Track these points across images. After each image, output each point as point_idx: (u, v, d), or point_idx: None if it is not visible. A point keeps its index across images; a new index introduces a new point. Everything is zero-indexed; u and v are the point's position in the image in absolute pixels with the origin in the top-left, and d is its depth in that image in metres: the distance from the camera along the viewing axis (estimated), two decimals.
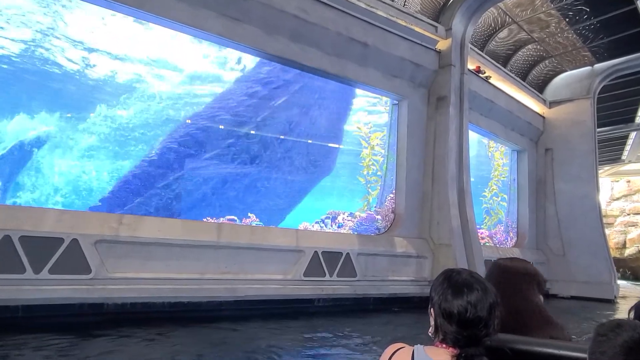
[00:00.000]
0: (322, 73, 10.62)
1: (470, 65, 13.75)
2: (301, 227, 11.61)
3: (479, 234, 15.45)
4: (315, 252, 9.37)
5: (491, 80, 14.53)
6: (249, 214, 11.17)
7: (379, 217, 12.30)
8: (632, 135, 25.40)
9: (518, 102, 15.93)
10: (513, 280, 1.90)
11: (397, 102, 12.38)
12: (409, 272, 11.02)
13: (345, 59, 10.62)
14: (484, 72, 14.04)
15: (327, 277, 9.48)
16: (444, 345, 1.44)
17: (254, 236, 8.75)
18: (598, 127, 21.45)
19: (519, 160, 17.39)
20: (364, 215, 12.35)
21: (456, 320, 1.41)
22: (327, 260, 9.54)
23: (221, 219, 10.59)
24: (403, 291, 10.74)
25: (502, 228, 16.98)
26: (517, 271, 1.94)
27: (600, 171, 34.04)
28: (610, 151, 27.92)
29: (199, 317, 7.64)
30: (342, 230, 12.06)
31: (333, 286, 9.52)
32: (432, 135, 12.25)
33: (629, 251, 35.11)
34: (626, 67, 16.50)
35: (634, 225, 36.74)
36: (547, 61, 16.65)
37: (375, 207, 12.69)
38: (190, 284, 7.79)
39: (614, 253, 35.52)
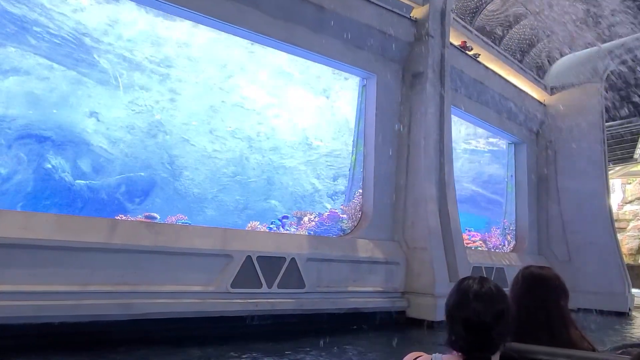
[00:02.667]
0: (265, 40, 8.78)
1: (455, 41, 11.84)
2: (249, 228, 9.71)
3: (470, 236, 13.46)
4: (249, 257, 7.46)
5: (481, 60, 12.60)
6: (180, 215, 9.28)
7: (344, 216, 10.37)
8: None
9: (514, 86, 13.96)
10: (547, 289, 1.93)
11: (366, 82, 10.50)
12: (375, 281, 9.06)
13: (294, 23, 8.78)
14: (471, 49, 12.11)
15: (264, 289, 7.55)
16: (456, 352, 1.46)
17: (162, 237, 6.85)
18: (607, 122, 19.43)
19: (516, 154, 15.35)
20: (325, 213, 10.42)
21: (461, 325, 1.45)
22: (265, 267, 7.61)
23: (139, 216, 8.74)
24: (367, 305, 8.77)
25: (499, 231, 14.93)
26: (550, 279, 1.98)
27: (610, 172, 31.90)
28: (622, 149, 25.79)
29: (75, 343, 5.76)
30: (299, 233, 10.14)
31: (272, 300, 7.58)
32: (407, 119, 10.34)
33: None
34: (637, 46, 14.46)
35: None
36: (546, 40, 14.65)
37: (341, 205, 10.77)
38: (65, 298, 5.90)
39: (628, 260, 33.07)
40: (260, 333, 7.35)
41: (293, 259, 7.94)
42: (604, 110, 14.88)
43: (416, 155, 9.94)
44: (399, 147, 10.29)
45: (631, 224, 36.01)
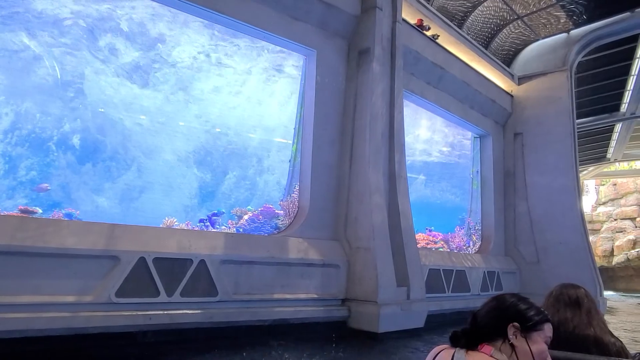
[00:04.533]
0: (181, 5, 7.43)
1: (410, 19, 10.68)
2: (165, 224, 8.30)
3: (430, 236, 12.29)
4: (142, 259, 6.06)
5: (441, 42, 11.46)
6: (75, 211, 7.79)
7: (280, 212, 9.05)
8: (618, 127, 22.56)
9: (478, 73, 12.89)
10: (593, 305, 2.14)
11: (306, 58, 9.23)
12: (309, 287, 7.74)
13: None
14: (429, 28, 10.97)
15: (162, 298, 6.16)
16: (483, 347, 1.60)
17: (22, 234, 5.41)
18: (579, 119, 18.60)
19: (482, 148, 14.28)
20: (260, 208, 9.09)
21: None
22: (165, 271, 6.23)
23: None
24: (298, 315, 7.44)
25: (463, 231, 13.81)
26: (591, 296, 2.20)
27: (584, 172, 31.36)
28: (595, 147, 25.08)
29: None
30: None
31: (171, 311, 6.18)
32: (352, 101, 9.09)
33: (617, 259, 32.13)
34: (608, 32, 13.58)
35: (622, 231, 33.90)
36: (512, 26, 13.64)
37: (280, 200, 9.46)
38: None
39: (601, 261, 32.54)
40: (155, 352, 5.96)
41: (202, 262, 6.56)
42: (573, 100, 13.93)
43: (361, 141, 8.69)
44: (343, 133, 9.03)
45: (605, 226, 35.59)
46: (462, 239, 13.52)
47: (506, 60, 14.83)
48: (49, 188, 8.91)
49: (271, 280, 7.27)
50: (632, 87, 17.64)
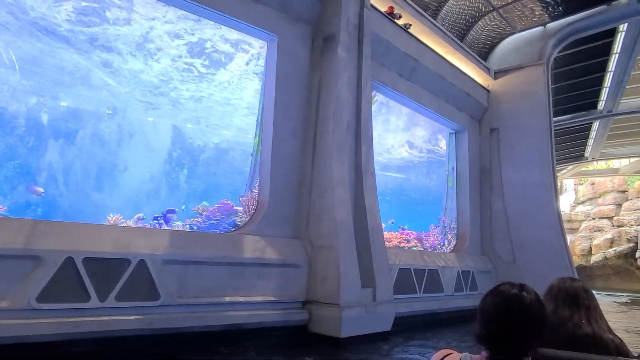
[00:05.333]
0: None
1: (380, 6, 10.18)
2: (110, 221, 7.62)
3: (403, 235, 11.80)
4: (70, 259, 5.40)
5: (413, 32, 10.99)
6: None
7: (239, 208, 8.45)
8: (595, 126, 22.47)
9: (453, 66, 12.46)
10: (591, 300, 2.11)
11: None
12: (266, 288, 7.15)
13: None
14: (400, 17, 10.48)
15: (94, 303, 5.50)
16: (484, 354, 1.46)
17: None
18: (557, 116, 18.39)
19: (457, 144, 13.87)
20: (217, 205, 8.48)
21: (485, 322, 1.46)
22: (97, 273, 5.58)
23: None
24: (253, 320, 6.84)
25: (438, 229, 13.37)
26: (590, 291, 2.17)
27: (563, 171, 31.38)
28: (573, 146, 25.00)
29: None
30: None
31: (104, 318, 5.53)
32: (316, 90, 8.54)
33: (594, 258, 32.21)
34: (584, 26, 13.30)
35: (600, 230, 34.04)
36: (487, 18, 13.25)
37: (241, 196, 8.85)
38: None
39: (580, 260, 32.59)
40: None
41: (142, 262, 5.92)
42: (550, 94, 13.62)
43: (324, 132, 8.14)
44: (306, 124, 8.47)
45: (583, 225, 35.73)
46: (436, 237, 13.08)
47: (482, 53, 14.47)
48: (42, 193, 8.30)
49: (223, 282, 6.66)
50: (608, 84, 17.48)
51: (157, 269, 6.03)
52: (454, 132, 13.99)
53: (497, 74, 14.11)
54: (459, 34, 13.38)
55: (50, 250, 5.30)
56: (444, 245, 13.14)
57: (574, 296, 2.12)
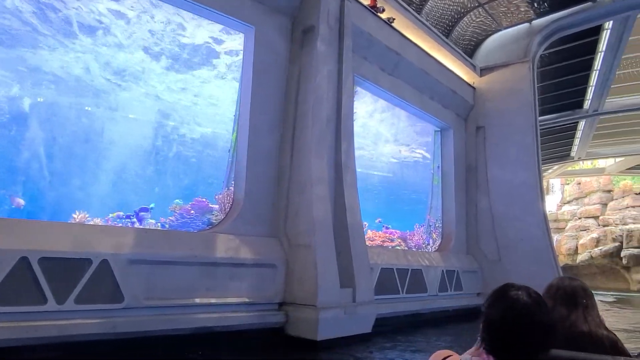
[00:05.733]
0: None
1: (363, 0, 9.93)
2: (75, 219, 7.25)
3: (387, 234, 11.56)
4: (24, 259, 5.04)
5: (397, 26, 10.75)
6: None
7: (215, 206, 8.14)
8: (581, 125, 22.45)
9: (438, 62, 12.25)
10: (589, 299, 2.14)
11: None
12: (240, 290, 6.84)
13: None
14: (383, 10, 10.24)
15: (51, 306, 5.15)
16: (484, 356, 1.43)
17: None
18: (544, 115, 18.32)
19: (443, 142, 13.67)
20: (191, 202, 8.15)
21: (487, 327, 1.43)
22: (55, 273, 5.22)
23: None
24: (226, 322, 6.53)
25: (423, 228, 13.16)
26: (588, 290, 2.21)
27: (549, 171, 31.44)
28: (559, 146, 25.00)
29: None
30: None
31: (62, 322, 5.18)
32: (295, 84, 8.25)
33: (580, 257, 32.34)
34: (569, 23, 13.18)
35: (586, 229, 34.20)
36: (473, 14, 13.07)
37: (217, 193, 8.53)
38: None
39: (566, 260, 32.72)
40: None
41: (105, 262, 5.58)
42: (536, 92, 13.48)
43: (303, 127, 7.85)
44: (285, 119, 8.18)
45: (569, 224, 35.89)
46: (421, 236, 12.87)
47: (468, 50, 14.29)
48: (22, 205, 7.93)
49: (193, 283, 6.34)
50: (594, 83, 17.42)
51: (121, 269, 5.69)
52: (439, 129, 13.79)
53: (483, 71, 13.95)
54: (444, 30, 13.19)
55: (3, 249, 4.94)
56: (428, 244, 12.93)
57: (572, 295, 2.14)
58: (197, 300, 6.33)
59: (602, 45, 14.80)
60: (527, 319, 1.37)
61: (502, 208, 12.86)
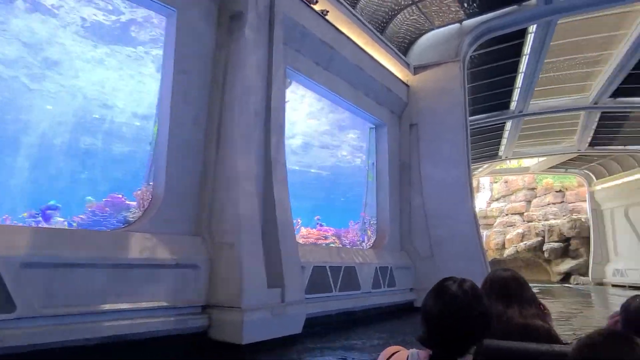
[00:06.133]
0: None
1: None
2: None
3: (321, 232, 11.34)
4: None
5: (332, 20, 10.54)
6: None
7: (132, 203, 7.49)
8: (508, 126, 23.52)
9: (373, 59, 12.20)
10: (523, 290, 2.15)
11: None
12: (157, 293, 6.29)
13: None
14: (316, 1, 9.98)
15: None
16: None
17: None
18: (474, 115, 18.92)
19: (377, 139, 13.68)
20: (105, 199, 7.45)
21: (426, 321, 1.44)
22: None
23: None
24: (140, 329, 5.97)
25: (358, 225, 13.09)
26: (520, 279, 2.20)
27: (479, 169, 32.83)
28: (488, 145, 26.05)
29: None
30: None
31: None
32: (222, 73, 7.78)
33: (507, 251, 34.15)
34: (497, 25, 13.62)
35: (512, 225, 36.15)
36: (407, 12, 13.16)
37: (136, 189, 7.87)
38: None
39: (494, 254, 34.40)
40: None
41: None
42: (466, 91, 13.83)
43: (229, 119, 7.41)
44: (210, 110, 7.68)
45: (497, 220, 37.79)
46: (356, 233, 12.78)
47: (402, 48, 14.40)
48: None
49: (101, 288, 5.72)
50: (520, 85, 18.23)
51: (12, 274, 4.98)
52: (374, 126, 13.79)
53: (416, 70, 14.11)
54: (379, 26, 13.17)
55: None
56: (363, 241, 12.87)
57: (505, 287, 2.13)
58: (106, 307, 5.72)
59: (527, 49, 15.47)
60: (464, 312, 1.38)
61: (435, 206, 13.05)
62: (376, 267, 11.08)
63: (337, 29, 10.72)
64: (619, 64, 16.24)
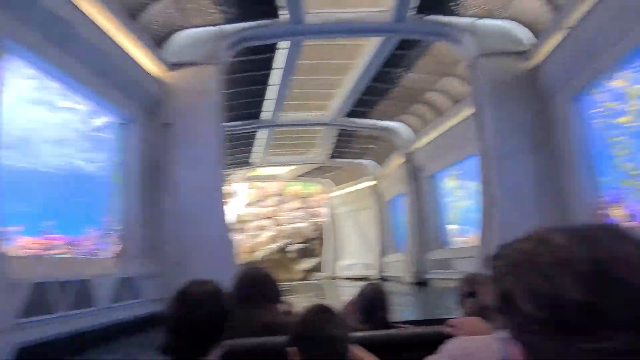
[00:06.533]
0: None
1: None
2: None
3: (48, 240, 9.50)
4: None
5: None
6: None
7: None
8: (260, 134, 24.91)
9: (119, 46, 10.97)
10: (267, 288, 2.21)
11: None
12: None
13: None
14: None
15: None
16: None
17: None
18: (231, 121, 19.21)
19: (126, 136, 12.41)
20: None
21: (168, 327, 1.41)
22: None
23: None
24: None
25: (99, 232, 11.51)
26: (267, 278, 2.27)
27: (235, 175, 33.87)
28: (242, 152, 27.00)
29: None
30: None
31: None
32: None
33: (260, 253, 36.28)
34: (253, 35, 14.14)
35: (264, 228, 38.58)
36: (163, 3, 12.30)
37: None
38: None
39: (249, 257, 36.06)
40: None
41: None
42: (222, 97, 13.88)
43: None
44: None
45: (252, 224, 39.80)
46: (96, 241, 11.21)
47: (158, 41, 13.40)
48: None
49: None
50: (272, 96, 19.52)
51: None
52: (123, 122, 12.45)
53: (173, 66, 13.41)
54: (130, 13, 11.88)
55: None
56: (105, 249, 11.39)
57: (252, 287, 2.15)
58: None
59: (277, 63, 16.62)
60: (202, 314, 1.36)
61: (187, 209, 12.53)
62: (118, 279, 9.89)
63: (75, 5, 9.21)
64: (351, 89, 19.10)
